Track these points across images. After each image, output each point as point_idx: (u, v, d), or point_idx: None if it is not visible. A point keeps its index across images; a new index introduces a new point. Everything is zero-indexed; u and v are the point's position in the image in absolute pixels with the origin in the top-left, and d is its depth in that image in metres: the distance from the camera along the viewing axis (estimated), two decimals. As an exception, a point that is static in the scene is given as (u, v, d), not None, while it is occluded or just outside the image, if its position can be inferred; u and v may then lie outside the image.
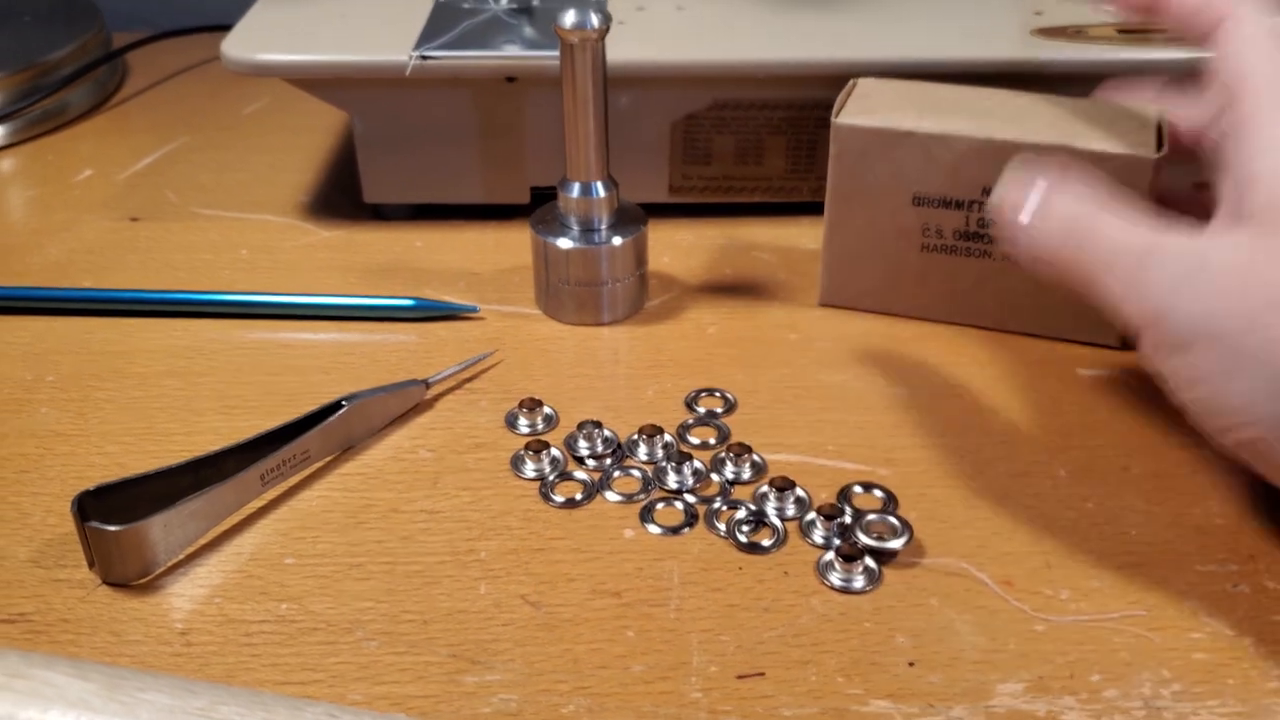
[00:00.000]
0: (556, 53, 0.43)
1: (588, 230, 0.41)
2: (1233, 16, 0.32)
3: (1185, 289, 0.28)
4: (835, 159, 0.40)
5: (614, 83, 0.40)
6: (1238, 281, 0.28)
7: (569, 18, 0.37)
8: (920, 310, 0.41)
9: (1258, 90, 0.30)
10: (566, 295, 0.42)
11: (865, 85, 0.41)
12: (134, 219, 0.49)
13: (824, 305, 0.42)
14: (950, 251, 0.40)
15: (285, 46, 0.45)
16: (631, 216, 0.42)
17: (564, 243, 0.41)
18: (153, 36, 0.64)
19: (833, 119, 0.39)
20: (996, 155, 0.36)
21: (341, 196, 0.50)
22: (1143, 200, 0.32)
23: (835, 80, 0.41)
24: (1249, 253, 0.28)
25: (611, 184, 0.41)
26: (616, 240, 0.41)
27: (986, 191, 0.37)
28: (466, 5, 0.48)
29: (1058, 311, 0.40)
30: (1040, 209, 0.31)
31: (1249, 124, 0.30)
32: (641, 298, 0.43)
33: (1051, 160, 0.32)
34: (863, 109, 0.39)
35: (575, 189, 0.40)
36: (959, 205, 0.39)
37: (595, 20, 0.37)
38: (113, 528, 0.30)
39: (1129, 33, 0.46)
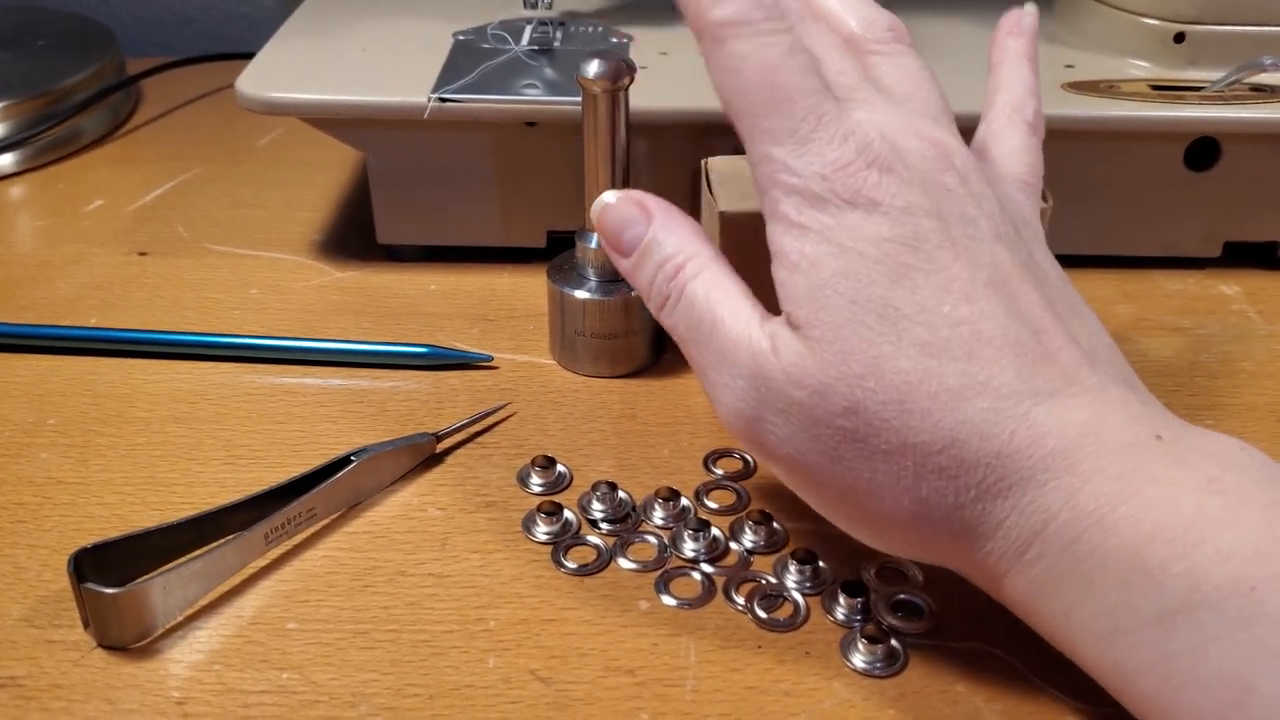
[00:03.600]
0: (578, 98, 0.42)
1: (605, 281, 0.40)
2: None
3: (770, 426, 0.28)
4: (726, 252, 0.35)
5: (635, 128, 0.39)
6: (806, 417, 0.27)
7: (592, 68, 0.36)
8: None
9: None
10: (582, 347, 0.41)
11: (718, 166, 0.39)
12: (143, 253, 0.48)
13: None
14: None
15: (301, 85, 0.44)
16: None
17: (581, 294, 0.40)
18: (167, 64, 0.63)
19: (719, 209, 0.36)
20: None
21: (355, 236, 0.49)
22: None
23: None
24: (810, 388, 0.27)
25: None
26: (635, 292, 0.40)
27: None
28: (486, 45, 0.47)
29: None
30: (675, 298, 0.30)
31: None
32: (659, 350, 0.42)
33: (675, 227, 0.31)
34: (738, 193, 0.37)
35: (594, 239, 0.39)
36: None
37: (619, 70, 0.36)
38: (110, 590, 0.29)
39: (1162, 89, 0.45)
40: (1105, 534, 0.25)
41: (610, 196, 0.32)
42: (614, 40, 0.49)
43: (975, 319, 0.27)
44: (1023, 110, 0.33)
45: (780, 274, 0.28)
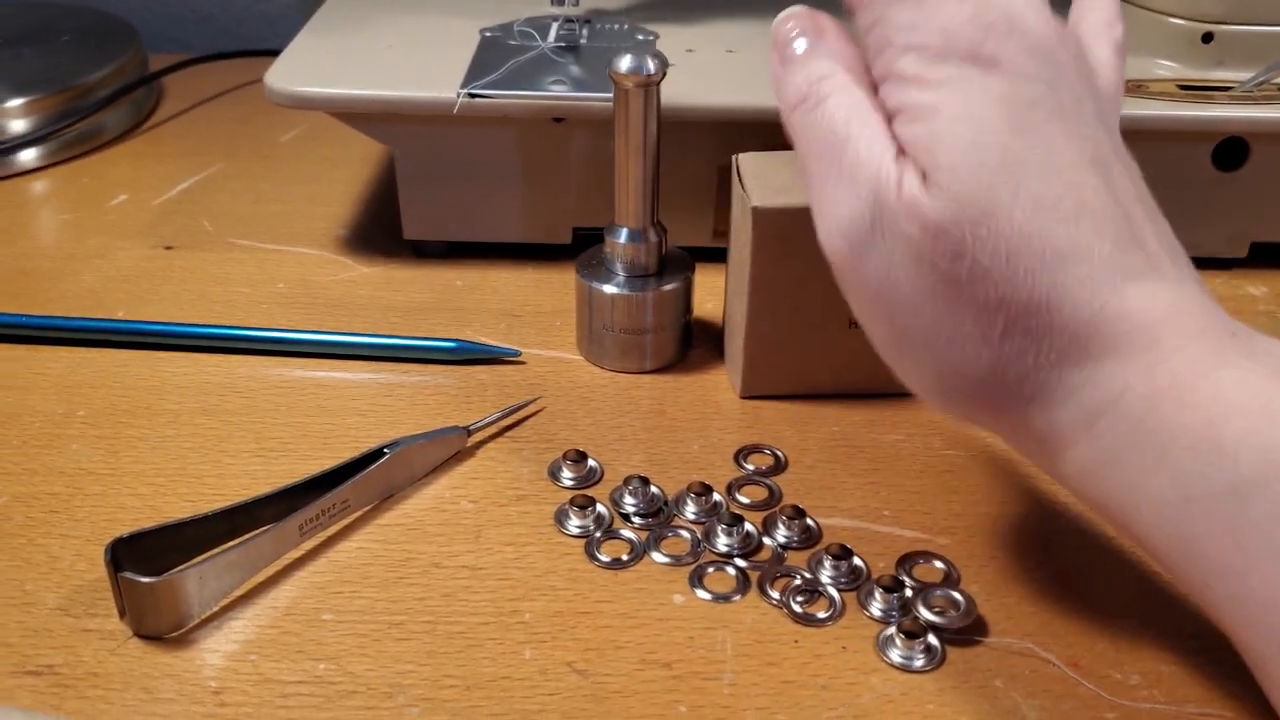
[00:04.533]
0: (605, 94, 0.42)
1: (634, 276, 0.40)
2: None
3: (874, 254, 0.28)
4: (759, 247, 0.36)
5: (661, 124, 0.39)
6: (913, 252, 0.27)
7: (625, 62, 0.36)
8: (848, 387, 0.39)
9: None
10: (610, 342, 0.40)
11: (749, 161, 0.38)
12: (169, 247, 0.48)
13: (746, 398, 0.39)
14: None
15: (329, 80, 0.44)
16: (678, 263, 0.41)
17: (609, 288, 0.40)
18: (189, 60, 0.63)
19: (751, 204, 0.36)
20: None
21: (380, 231, 0.49)
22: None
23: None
24: (923, 225, 0.27)
25: (660, 230, 0.40)
26: (663, 287, 0.40)
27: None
28: (513, 42, 0.47)
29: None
30: (813, 103, 0.29)
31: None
32: (686, 345, 0.42)
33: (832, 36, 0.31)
34: (772, 188, 0.36)
35: (623, 234, 0.39)
36: None
37: (651, 66, 0.36)
38: (147, 579, 0.29)
39: (1190, 88, 0.45)
40: (1180, 408, 0.25)
41: (797, 6, 0.32)
42: (640, 37, 0.49)
43: (1082, 187, 0.27)
44: (1112, 30, 0.33)
45: (903, 130, 0.28)
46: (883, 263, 0.28)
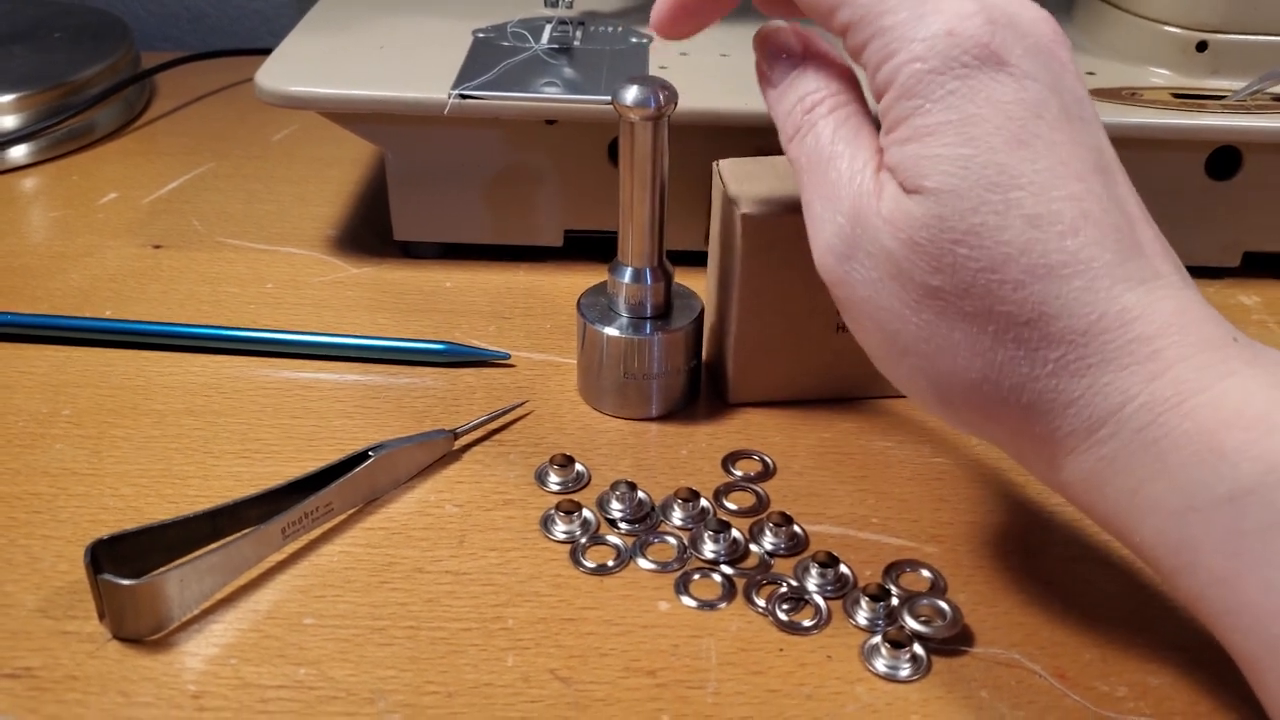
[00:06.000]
0: (598, 97, 0.42)
1: (638, 318, 0.38)
2: None
3: (858, 266, 0.28)
4: (748, 254, 0.36)
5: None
6: (894, 266, 0.27)
7: (630, 94, 0.34)
8: (835, 391, 0.39)
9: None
10: (611, 386, 0.38)
11: (729, 169, 0.37)
12: (158, 246, 0.48)
13: (734, 403, 0.39)
14: None
15: (320, 79, 0.44)
16: (686, 303, 0.39)
17: (611, 330, 0.37)
18: (182, 58, 0.63)
19: (740, 211, 0.35)
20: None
21: (370, 232, 0.49)
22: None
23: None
24: (903, 239, 0.27)
25: (667, 269, 0.38)
26: (669, 330, 0.38)
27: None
28: (506, 43, 0.47)
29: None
30: (806, 129, 0.30)
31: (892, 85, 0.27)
32: (694, 391, 0.39)
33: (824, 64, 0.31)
34: (758, 194, 0.36)
35: (627, 274, 0.37)
36: None
37: (659, 97, 0.34)
38: (127, 582, 0.29)
39: (1184, 97, 0.45)
40: (1182, 418, 0.25)
41: (779, 23, 0.32)
42: (634, 40, 0.49)
43: (1084, 196, 0.26)
44: None
45: (894, 148, 0.27)
46: (868, 275, 0.28)
